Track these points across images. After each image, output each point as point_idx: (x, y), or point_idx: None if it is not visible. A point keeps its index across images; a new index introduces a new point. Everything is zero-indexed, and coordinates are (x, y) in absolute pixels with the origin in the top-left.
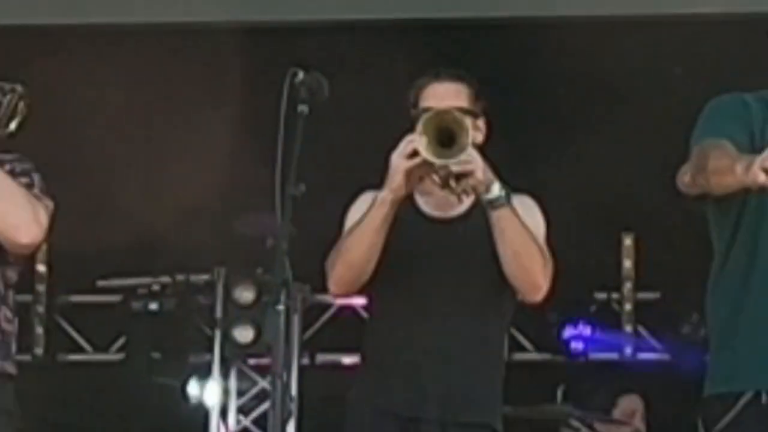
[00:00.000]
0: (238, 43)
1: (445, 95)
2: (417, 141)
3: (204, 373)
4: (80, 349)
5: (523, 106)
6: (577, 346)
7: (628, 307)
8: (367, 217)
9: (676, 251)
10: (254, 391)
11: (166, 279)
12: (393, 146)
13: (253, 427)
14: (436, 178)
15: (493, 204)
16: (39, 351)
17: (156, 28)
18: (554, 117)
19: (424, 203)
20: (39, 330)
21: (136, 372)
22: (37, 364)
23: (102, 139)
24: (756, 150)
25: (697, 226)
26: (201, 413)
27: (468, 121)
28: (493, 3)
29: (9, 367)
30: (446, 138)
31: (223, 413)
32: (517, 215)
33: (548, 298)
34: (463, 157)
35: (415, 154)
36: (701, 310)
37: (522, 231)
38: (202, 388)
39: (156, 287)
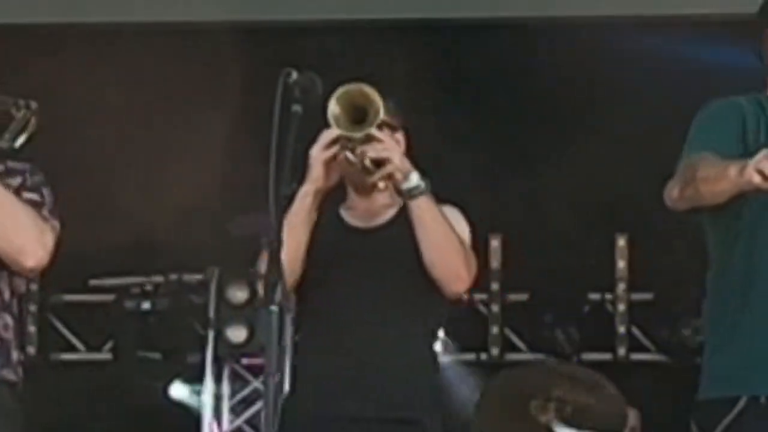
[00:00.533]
0: (236, 42)
1: None
2: (330, 122)
3: (193, 374)
4: (73, 349)
5: (519, 106)
6: None
7: (621, 307)
8: (290, 213)
9: (669, 252)
10: (247, 391)
11: (159, 278)
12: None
13: (246, 427)
14: (353, 158)
15: (412, 193)
16: (32, 350)
17: (154, 28)
18: (550, 118)
19: (348, 216)
20: (32, 329)
21: (125, 372)
22: (29, 363)
23: (96, 139)
24: (751, 152)
25: (691, 228)
26: (193, 413)
27: (377, 94)
28: (492, 3)
29: (8, 374)
30: (358, 114)
31: (216, 413)
32: (435, 205)
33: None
34: (379, 144)
35: (332, 144)
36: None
37: (441, 221)
38: (189, 390)
39: (149, 287)
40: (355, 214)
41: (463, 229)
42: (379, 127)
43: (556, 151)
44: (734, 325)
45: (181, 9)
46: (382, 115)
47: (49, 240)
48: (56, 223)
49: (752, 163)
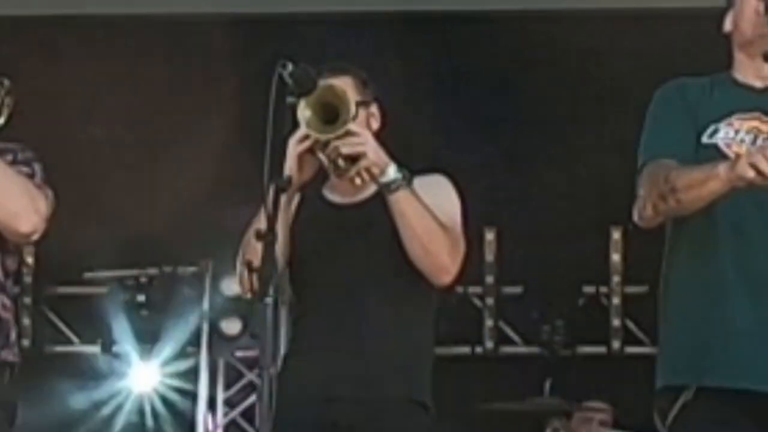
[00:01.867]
0: (230, 35)
1: None
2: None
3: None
4: (67, 341)
5: (514, 100)
6: None
7: (616, 300)
8: (264, 208)
9: (664, 245)
10: (242, 383)
11: (153, 271)
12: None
13: (240, 420)
14: (323, 158)
15: (389, 187)
16: (26, 342)
17: (146, 20)
18: (545, 111)
19: (330, 194)
20: (26, 321)
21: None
22: (23, 354)
23: (90, 132)
24: (699, 131)
25: None
26: (188, 405)
27: (350, 93)
28: None
29: (8, 354)
30: (329, 114)
31: (211, 405)
32: (417, 197)
33: (457, 280)
34: (353, 138)
35: (306, 138)
36: None
37: (423, 213)
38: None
39: (143, 279)
40: (336, 190)
41: (452, 201)
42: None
43: (551, 145)
44: (684, 311)
45: (176, 1)
46: (353, 112)
47: (42, 206)
48: (49, 192)
49: (745, 158)
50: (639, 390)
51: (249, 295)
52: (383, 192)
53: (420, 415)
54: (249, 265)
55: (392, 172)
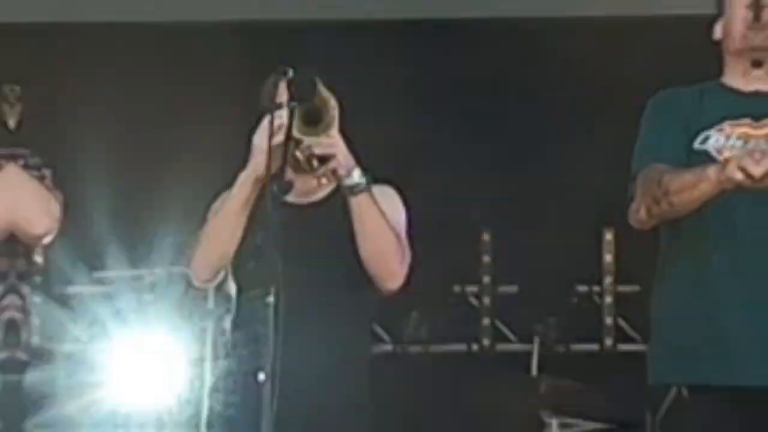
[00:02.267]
0: (232, 41)
1: None
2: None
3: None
4: (76, 340)
5: (508, 103)
6: None
7: (608, 299)
8: (228, 200)
9: (655, 246)
10: None
11: (160, 271)
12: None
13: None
14: (299, 155)
15: (353, 190)
16: (36, 340)
17: (149, 27)
18: (538, 114)
19: None
20: (36, 320)
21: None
22: (33, 353)
23: (98, 134)
24: (691, 138)
25: None
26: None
27: (333, 100)
28: (483, 3)
29: (21, 354)
30: (312, 116)
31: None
32: (376, 202)
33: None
34: (325, 140)
35: (276, 132)
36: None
37: (380, 218)
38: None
39: (150, 279)
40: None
41: (399, 212)
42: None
43: (545, 147)
44: (674, 310)
45: (175, 8)
46: (335, 120)
47: (54, 208)
48: (60, 195)
49: (734, 162)
50: (630, 387)
51: (208, 281)
52: (346, 194)
53: (360, 415)
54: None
55: (357, 175)
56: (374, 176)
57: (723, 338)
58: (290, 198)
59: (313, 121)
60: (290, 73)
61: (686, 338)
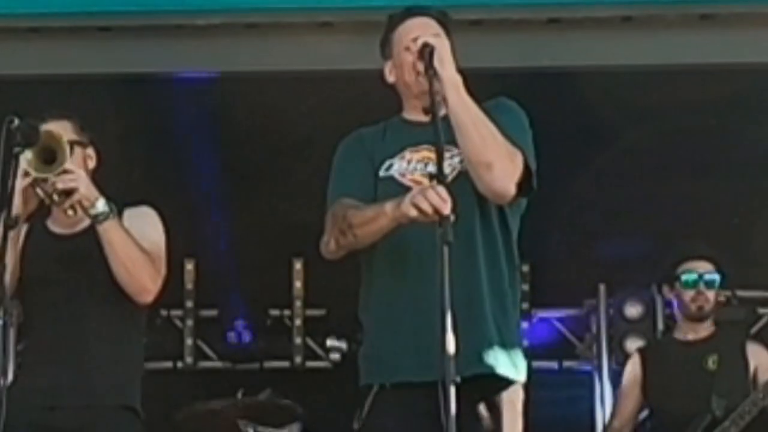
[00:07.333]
0: None
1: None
2: (26, 167)
3: None
4: None
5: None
6: None
7: (298, 322)
8: None
9: (341, 274)
10: None
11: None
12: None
13: None
14: (41, 192)
15: (98, 218)
16: None
17: None
18: (249, 161)
19: (52, 225)
20: None
21: None
22: None
23: None
24: (376, 167)
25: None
26: None
27: (67, 136)
28: None
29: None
30: (48, 155)
31: None
32: (122, 227)
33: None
34: (67, 175)
35: (27, 174)
36: None
37: (127, 241)
38: None
39: None
40: (57, 221)
41: (158, 234)
42: (71, 146)
43: (250, 188)
44: (373, 318)
45: None
46: (68, 155)
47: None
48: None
49: (408, 199)
50: (321, 399)
51: None
52: (93, 222)
53: (132, 420)
54: None
55: (101, 205)
56: (118, 204)
57: (401, 345)
58: (57, 229)
59: (49, 159)
60: (15, 121)
61: (383, 346)
